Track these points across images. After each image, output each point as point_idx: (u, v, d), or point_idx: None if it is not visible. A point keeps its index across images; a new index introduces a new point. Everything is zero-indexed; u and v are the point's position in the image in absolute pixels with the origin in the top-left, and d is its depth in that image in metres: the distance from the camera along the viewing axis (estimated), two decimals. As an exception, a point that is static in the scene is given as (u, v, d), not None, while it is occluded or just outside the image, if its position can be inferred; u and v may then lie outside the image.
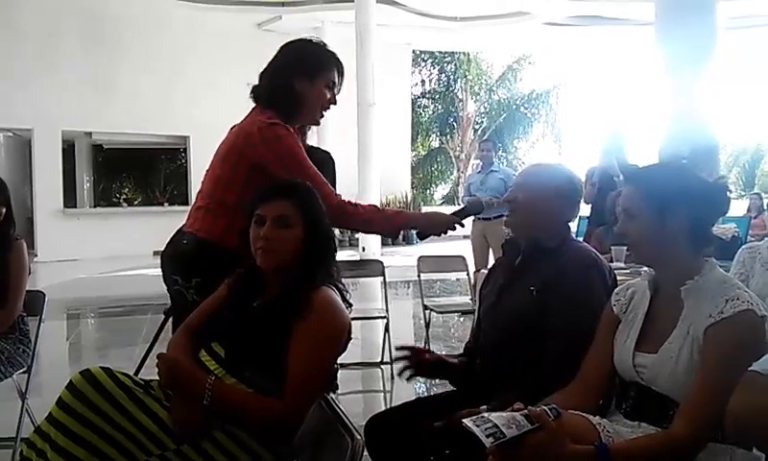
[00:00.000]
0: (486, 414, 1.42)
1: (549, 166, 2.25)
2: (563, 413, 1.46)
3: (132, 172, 20.90)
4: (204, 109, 14.10)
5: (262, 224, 1.89)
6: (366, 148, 12.84)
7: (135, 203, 19.57)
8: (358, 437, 1.51)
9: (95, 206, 16.67)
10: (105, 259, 12.95)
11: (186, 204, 15.60)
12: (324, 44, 2.50)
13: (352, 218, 2.36)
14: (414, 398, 4.32)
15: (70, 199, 15.07)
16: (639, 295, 1.80)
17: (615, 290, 1.88)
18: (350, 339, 1.92)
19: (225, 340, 1.89)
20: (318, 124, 2.48)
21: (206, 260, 2.27)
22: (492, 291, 2.21)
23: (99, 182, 18.36)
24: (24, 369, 3.23)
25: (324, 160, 4.44)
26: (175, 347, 1.89)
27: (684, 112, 6.99)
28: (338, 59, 2.46)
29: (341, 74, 2.45)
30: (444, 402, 2.15)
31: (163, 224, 16.80)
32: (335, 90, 2.44)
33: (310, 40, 2.49)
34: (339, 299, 1.89)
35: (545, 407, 1.43)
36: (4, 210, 3.26)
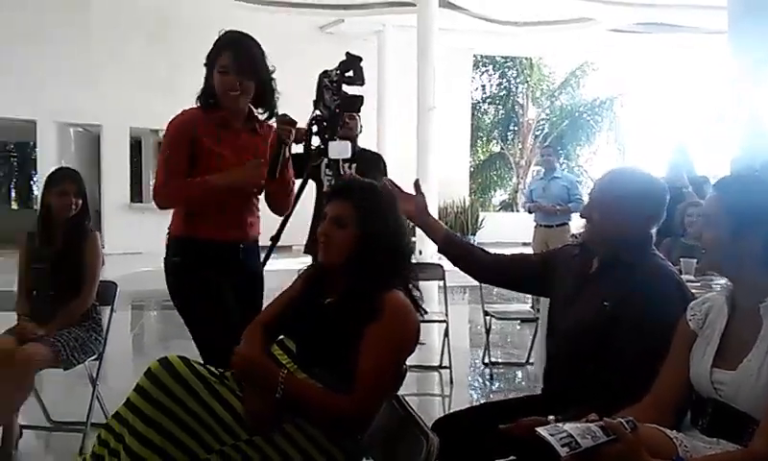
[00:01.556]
0: (560, 424, 1.40)
1: (627, 175, 2.12)
2: (639, 426, 1.43)
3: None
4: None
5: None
6: (425, 152, 12.82)
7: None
8: (433, 438, 1.51)
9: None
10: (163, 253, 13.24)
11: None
12: (227, 32, 2.62)
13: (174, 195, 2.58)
14: (471, 403, 4.38)
15: (136, 193, 15.51)
16: (716, 310, 1.75)
17: (691, 304, 1.83)
18: (419, 342, 1.93)
19: (296, 336, 1.92)
20: (239, 108, 2.58)
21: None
22: (563, 291, 2.17)
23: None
24: (96, 356, 3.35)
25: (374, 161, 4.52)
26: (249, 340, 1.92)
27: (759, 124, 6.76)
28: (230, 40, 2.55)
29: (234, 55, 2.50)
30: (509, 409, 2.13)
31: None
32: (231, 72, 2.50)
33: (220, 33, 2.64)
34: (409, 302, 1.90)
35: (621, 419, 1.41)
36: (80, 202, 3.39)
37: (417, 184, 2.45)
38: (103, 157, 14.46)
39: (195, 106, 2.62)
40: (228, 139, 2.57)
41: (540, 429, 1.36)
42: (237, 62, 2.48)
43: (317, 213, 4.22)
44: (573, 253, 2.24)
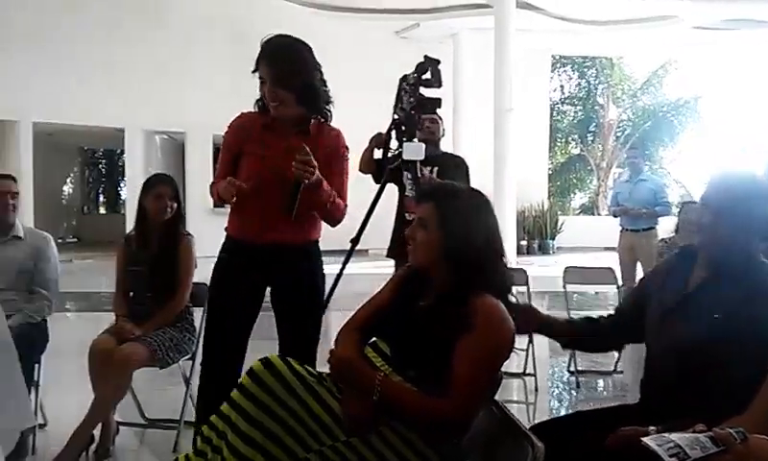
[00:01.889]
0: (666, 434, 1.35)
1: (744, 177, 2.02)
2: (749, 436, 1.36)
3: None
4: (339, 116, 14.49)
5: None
6: (502, 154, 12.65)
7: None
8: (539, 445, 1.48)
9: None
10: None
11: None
12: (268, 40, 2.63)
13: None
14: (557, 411, 4.28)
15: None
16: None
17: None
18: (513, 348, 1.90)
19: (390, 339, 1.92)
20: (283, 114, 2.57)
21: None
22: (660, 308, 2.09)
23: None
24: (189, 356, 3.45)
25: (457, 165, 4.45)
26: (344, 342, 1.93)
27: None
28: (267, 50, 2.57)
29: (269, 65, 2.53)
30: (604, 417, 2.07)
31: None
32: (268, 82, 2.53)
33: None
34: (503, 308, 1.87)
35: (731, 430, 1.34)
36: (175, 206, 3.50)
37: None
38: (187, 163, 14.92)
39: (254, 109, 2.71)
40: (272, 142, 2.58)
41: (646, 439, 1.31)
42: (272, 73, 2.51)
43: (399, 217, 4.20)
44: (666, 270, 2.19)
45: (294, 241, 2.63)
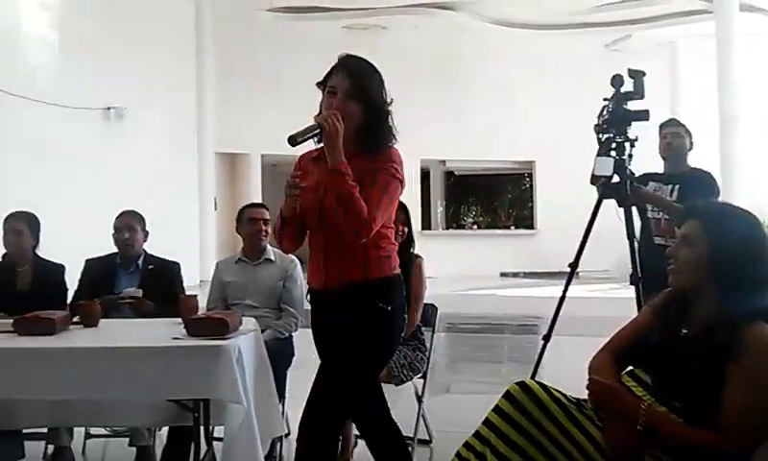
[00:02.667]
0: None
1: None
2: None
3: (478, 196, 21.96)
4: (550, 133, 14.29)
5: None
6: (729, 166, 11.65)
7: (482, 226, 20.46)
8: None
9: (447, 229, 17.89)
10: (456, 278, 13.77)
11: (531, 227, 15.90)
12: (345, 55, 2.42)
13: None
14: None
15: (426, 222, 16.38)
16: None
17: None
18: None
19: (651, 367, 1.85)
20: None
21: None
22: None
23: (450, 207, 19.61)
24: (421, 374, 3.56)
25: (705, 183, 3.96)
26: (600, 370, 1.88)
27: None
28: (344, 62, 2.38)
29: (345, 75, 2.32)
30: None
31: (508, 246, 17.28)
32: (339, 92, 2.30)
33: None
34: None
35: None
36: (406, 230, 3.65)
37: None
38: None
39: None
40: (314, 173, 2.34)
41: None
42: (348, 84, 2.28)
43: (645, 241, 3.85)
44: None
45: (339, 282, 2.32)
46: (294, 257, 3.81)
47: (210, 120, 13.46)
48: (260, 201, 14.19)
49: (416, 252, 3.74)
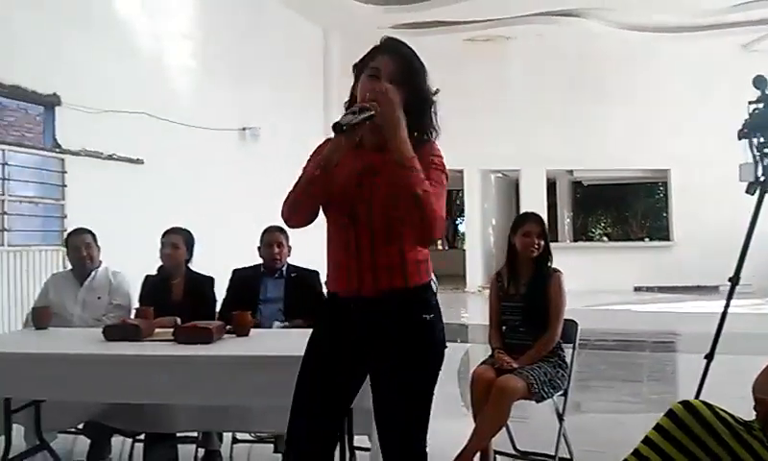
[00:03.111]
0: None
1: None
2: None
3: (608, 207, 21.23)
4: (685, 140, 13.60)
5: None
6: None
7: (612, 238, 19.77)
8: None
9: (575, 241, 17.40)
10: (585, 293, 13.33)
11: (667, 239, 15.15)
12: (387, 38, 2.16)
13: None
14: None
15: (553, 234, 16.01)
16: None
17: None
18: None
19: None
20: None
21: None
22: None
23: (577, 218, 19.10)
24: (561, 392, 3.47)
25: None
26: (767, 390, 1.77)
27: None
28: (388, 45, 2.12)
29: (390, 57, 2.07)
30: None
31: (643, 259, 16.54)
32: (382, 76, 2.04)
33: None
34: None
35: None
36: (542, 243, 3.58)
37: None
38: (522, 199, 15.26)
39: None
40: (350, 159, 2.05)
41: None
42: (391, 67, 2.05)
43: None
44: None
45: (373, 291, 2.03)
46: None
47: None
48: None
49: (553, 265, 3.65)
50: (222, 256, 4.67)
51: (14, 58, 7.37)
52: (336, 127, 1.88)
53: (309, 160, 2.08)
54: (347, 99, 2.13)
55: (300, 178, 2.02)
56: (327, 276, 2.16)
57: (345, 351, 2.06)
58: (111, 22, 8.92)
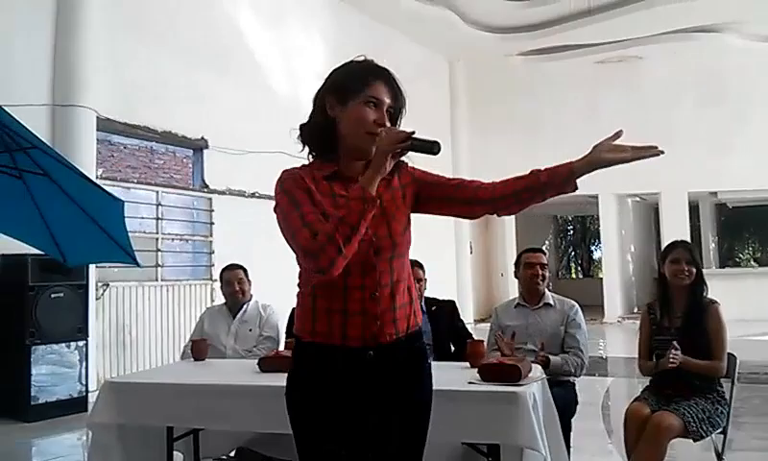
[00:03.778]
0: None
1: None
2: None
3: (755, 230, 19.83)
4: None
5: None
6: None
7: (762, 263, 18.43)
8: None
9: (721, 267, 16.37)
10: (734, 322, 12.41)
11: (828, 263, 13.93)
12: (367, 59, 1.93)
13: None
14: None
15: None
16: None
17: None
18: None
19: None
20: (367, 154, 1.80)
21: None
22: None
23: (723, 242, 17.98)
24: (720, 429, 3.26)
25: None
26: None
27: None
28: (380, 68, 1.90)
29: (388, 85, 1.87)
30: None
31: (799, 285, 15.09)
32: (384, 106, 1.85)
33: (352, 60, 1.94)
34: None
35: None
36: (694, 271, 3.40)
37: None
38: (662, 224, 14.57)
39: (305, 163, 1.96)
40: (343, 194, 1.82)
41: None
42: (389, 96, 1.87)
43: None
44: None
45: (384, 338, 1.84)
46: (574, 302, 3.75)
47: (464, 166, 13.91)
48: (514, 243, 14.47)
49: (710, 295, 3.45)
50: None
51: (166, 105, 7.98)
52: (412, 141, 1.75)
53: (298, 196, 1.80)
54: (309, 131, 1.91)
55: (340, 219, 1.70)
56: (308, 323, 1.86)
57: (348, 414, 1.83)
58: (251, 66, 9.47)
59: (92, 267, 6.27)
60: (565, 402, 3.42)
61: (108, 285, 6.99)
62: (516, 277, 3.90)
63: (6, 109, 4.05)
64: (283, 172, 1.87)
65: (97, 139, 7.04)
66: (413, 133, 1.75)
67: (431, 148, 1.73)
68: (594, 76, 14.38)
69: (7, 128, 4.20)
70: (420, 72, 12.98)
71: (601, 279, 15.78)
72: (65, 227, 4.73)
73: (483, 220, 15.48)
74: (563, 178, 1.83)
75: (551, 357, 3.49)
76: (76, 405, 5.89)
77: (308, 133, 1.91)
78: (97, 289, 6.75)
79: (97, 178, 6.55)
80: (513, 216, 14.90)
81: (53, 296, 5.81)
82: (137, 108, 7.52)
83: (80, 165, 4.97)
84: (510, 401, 2.44)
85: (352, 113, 1.83)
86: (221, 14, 9.06)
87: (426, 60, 13.38)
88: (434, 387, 1.97)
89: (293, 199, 1.78)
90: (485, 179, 1.99)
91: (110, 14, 7.08)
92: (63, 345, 5.87)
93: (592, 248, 24.90)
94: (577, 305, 3.73)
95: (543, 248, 4.27)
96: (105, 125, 7.21)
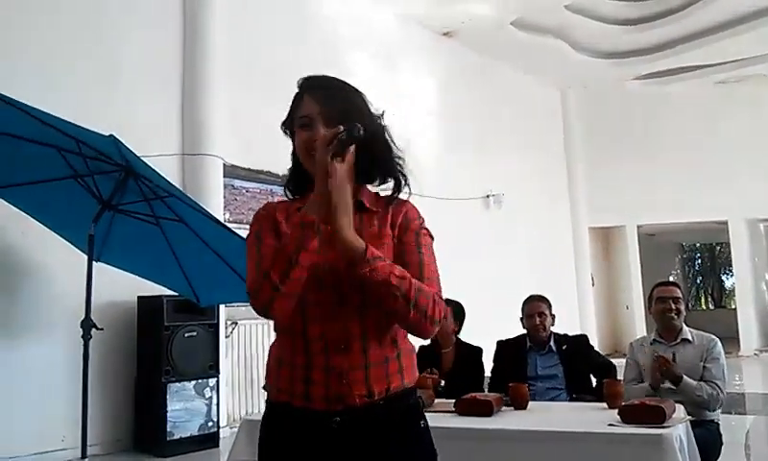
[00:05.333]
0: None
1: None
2: None
3: None
4: None
5: None
6: None
7: None
8: None
9: None
10: None
11: None
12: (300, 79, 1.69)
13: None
14: None
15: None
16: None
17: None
18: None
19: None
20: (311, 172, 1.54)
21: None
22: None
23: None
24: None
25: None
26: None
27: None
28: (313, 83, 1.67)
29: (319, 99, 1.61)
30: None
31: None
32: (317, 123, 1.59)
33: None
34: None
35: None
36: None
37: None
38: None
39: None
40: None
41: None
42: (326, 110, 1.59)
43: None
44: None
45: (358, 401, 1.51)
46: (714, 337, 3.54)
47: (582, 196, 13.57)
48: (639, 274, 13.86)
49: None
50: (479, 325, 4.72)
51: (281, 152, 8.21)
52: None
53: (262, 231, 1.61)
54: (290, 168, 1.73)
55: (277, 250, 1.50)
56: (272, 378, 1.61)
57: None
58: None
59: (222, 306, 6.52)
60: (707, 444, 3.21)
61: (236, 323, 7.24)
62: (649, 312, 3.73)
63: (143, 159, 4.36)
64: (261, 209, 1.70)
65: (223, 185, 7.38)
66: (343, 131, 1.46)
67: (353, 133, 1.47)
68: (715, 97, 13.72)
69: (146, 179, 4.51)
70: (531, 103, 12.87)
71: (734, 309, 14.80)
72: (199, 269, 4.99)
73: (603, 249, 15.06)
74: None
75: (685, 376, 3.30)
76: (208, 441, 6.10)
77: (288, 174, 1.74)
78: (226, 327, 7.00)
79: (225, 221, 6.85)
80: (635, 241, 14.35)
81: (186, 335, 6.08)
82: (258, 154, 7.82)
83: (209, 209, 5.23)
84: (655, 444, 2.31)
85: (296, 143, 1.65)
86: (327, 62, 9.35)
87: (537, 91, 13.23)
88: (572, 429, 1.90)
89: (258, 234, 1.60)
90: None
91: (229, 74, 7.45)
92: (197, 382, 6.13)
93: (723, 276, 23.49)
94: (717, 340, 3.52)
95: (675, 279, 4.06)
96: (230, 171, 7.55)
